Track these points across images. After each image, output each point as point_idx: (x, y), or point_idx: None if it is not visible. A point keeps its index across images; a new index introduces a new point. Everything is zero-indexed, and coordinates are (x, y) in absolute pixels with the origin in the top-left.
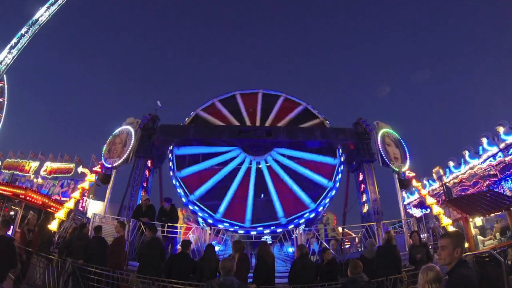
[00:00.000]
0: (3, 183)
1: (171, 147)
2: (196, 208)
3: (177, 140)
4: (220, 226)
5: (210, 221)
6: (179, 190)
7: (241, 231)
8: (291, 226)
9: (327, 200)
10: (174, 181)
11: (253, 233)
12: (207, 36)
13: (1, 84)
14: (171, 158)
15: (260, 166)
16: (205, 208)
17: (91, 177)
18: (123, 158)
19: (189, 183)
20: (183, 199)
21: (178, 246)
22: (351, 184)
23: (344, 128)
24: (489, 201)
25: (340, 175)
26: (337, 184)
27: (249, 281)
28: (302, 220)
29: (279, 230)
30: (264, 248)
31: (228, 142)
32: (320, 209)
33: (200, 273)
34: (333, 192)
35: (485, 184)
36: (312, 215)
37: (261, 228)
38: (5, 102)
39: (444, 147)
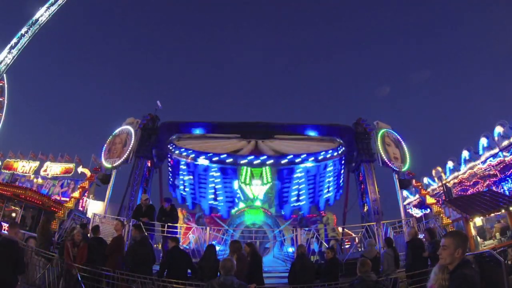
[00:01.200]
0: (3, 183)
1: (171, 146)
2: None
3: (181, 125)
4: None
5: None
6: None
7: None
8: (320, 157)
9: (342, 149)
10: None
11: (284, 161)
12: (207, 36)
13: (1, 84)
14: (171, 148)
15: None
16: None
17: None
18: (123, 158)
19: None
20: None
21: (170, 241)
22: (351, 184)
23: (340, 124)
24: (489, 201)
25: (342, 147)
26: (344, 147)
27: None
28: (329, 155)
29: (311, 159)
30: (255, 247)
31: (228, 126)
32: (341, 151)
33: (201, 273)
34: (344, 149)
35: (485, 184)
36: (336, 153)
37: (291, 156)
38: (5, 101)
39: (444, 147)
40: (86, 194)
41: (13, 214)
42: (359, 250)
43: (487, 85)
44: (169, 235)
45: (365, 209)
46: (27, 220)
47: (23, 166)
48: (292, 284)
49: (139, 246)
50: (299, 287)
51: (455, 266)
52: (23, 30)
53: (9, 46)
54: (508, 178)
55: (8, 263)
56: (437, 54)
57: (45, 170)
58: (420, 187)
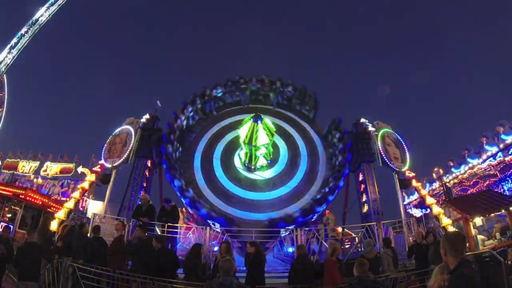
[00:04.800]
0: (3, 183)
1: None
2: None
3: None
4: None
5: None
6: None
7: None
8: None
9: None
10: None
11: None
12: (207, 36)
13: (1, 79)
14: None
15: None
16: None
17: (91, 177)
18: (123, 158)
19: None
20: None
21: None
22: (351, 184)
23: None
24: (489, 201)
25: None
26: None
27: None
28: None
29: None
30: (259, 246)
31: None
32: None
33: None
34: None
35: (485, 184)
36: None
37: None
38: (5, 96)
39: (444, 147)
40: (86, 194)
41: (11, 214)
42: (359, 250)
43: (487, 85)
44: (169, 235)
45: (365, 209)
46: (27, 220)
47: (23, 166)
48: (292, 284)
49: (145, 246)
50: (299, 287)
51: (455, 266)
52: (23, 30)
53: (9, 46)
54: (508, 178)
55: (36, 260)
56: (438, 54)
57: (45, 170)
58: (420, 187)
